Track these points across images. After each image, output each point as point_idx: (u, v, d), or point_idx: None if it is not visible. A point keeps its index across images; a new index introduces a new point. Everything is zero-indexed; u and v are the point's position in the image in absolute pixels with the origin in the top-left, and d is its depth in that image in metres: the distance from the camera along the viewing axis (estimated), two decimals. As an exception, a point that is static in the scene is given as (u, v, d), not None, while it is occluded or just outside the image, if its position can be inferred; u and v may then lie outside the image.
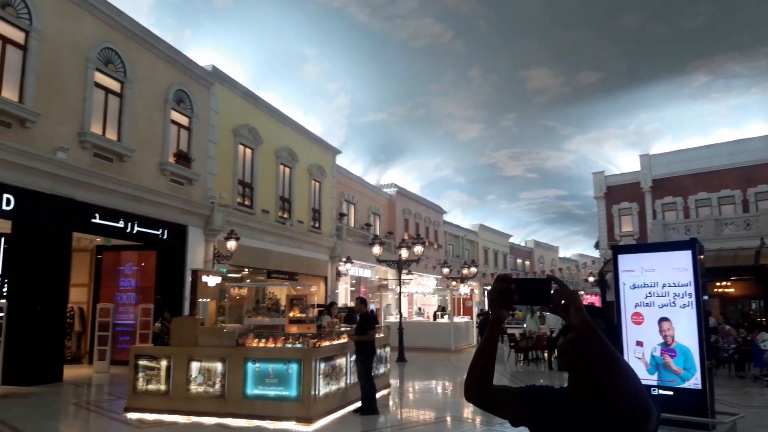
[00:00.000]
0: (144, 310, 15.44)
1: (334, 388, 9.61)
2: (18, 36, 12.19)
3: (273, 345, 9.32)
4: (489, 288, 1.86)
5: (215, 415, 8.85)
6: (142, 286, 16.53)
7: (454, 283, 31.57)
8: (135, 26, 15.33)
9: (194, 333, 9.42)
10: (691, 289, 8.12)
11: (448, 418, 10.10)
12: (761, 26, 25.50)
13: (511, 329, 22.85)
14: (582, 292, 48.81)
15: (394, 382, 13.71)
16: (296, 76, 27.52)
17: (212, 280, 17.11)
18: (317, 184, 25.52)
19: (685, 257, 8.26)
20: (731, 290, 23.64)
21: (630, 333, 8.58)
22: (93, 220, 13.79)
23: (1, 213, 11.63)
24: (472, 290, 33.68)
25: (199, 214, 17.39)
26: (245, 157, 20.43)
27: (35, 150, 12.15)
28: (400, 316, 20.49)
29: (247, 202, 20.25)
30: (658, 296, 8.38)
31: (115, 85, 14.83)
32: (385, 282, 30.36)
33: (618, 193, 34.72)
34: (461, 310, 33.30)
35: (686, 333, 8.12)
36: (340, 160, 28.68)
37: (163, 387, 9.24)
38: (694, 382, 7.99)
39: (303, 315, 10.96)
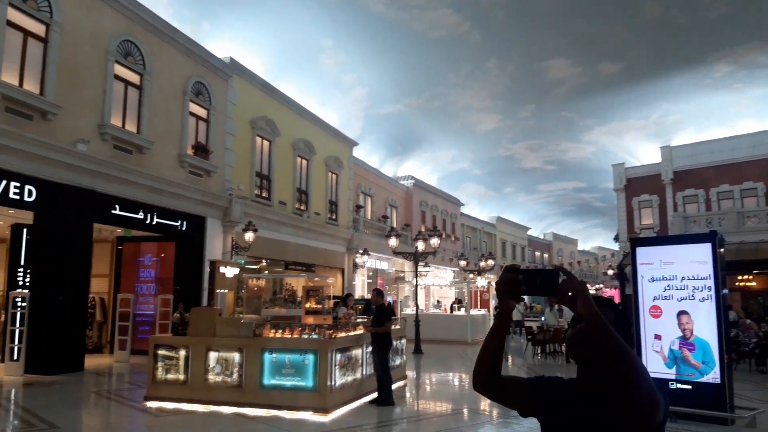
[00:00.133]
0: (163, 301, 15.63)
1: (350, 378, 9.65)
2: (39, 29, 12.34)
3: (289, 336, 9.40)
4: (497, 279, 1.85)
5: (233, 404, 8.95)
6: (161, 277, 16.73)
7: (471, 275, 31.48)
8: (154, 18, 15.44)
9: (212, 323, 9.52)
10: (711, 283, 8.03)
11: (465, 411, 10.09)
12: (786, 15, 24.96)
13: (529, 322, 22.76)
14: (601, 285, 48.56)
15: (410, 373, 13.74)
16: (313, 67, 27.52)
17: (230, 271, 17.26)
18: (334, 176, 25.56)
19: (704, 250, 8.17)
20: (753, 284, 23.32)
21: (648, 326, 8.51)
22: (113, 212, 13.97)
23: (23, 204, 11.83)
24: (489, 283, 33.58)
25: (217, 206, 17.53)
26: (263, 149, 20.53)
27: (56, 142, 12.32)
28: (417, 308, 20.50)
29: (264, 194, 20.36)
30: (677, 289, 8.29)
31: (134, 78, 14.96)
32: (402, 274, 30.39)
33: (638, 185, 34.31)
34: (478, 302, 33.26)
35: (705, 326, 8.03)
36: (357, 152, 28.69)
37: (181, 376, 9.35)
38: (713, 376, 7.90)
39: (319, 306, 11.01)
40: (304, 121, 23.36)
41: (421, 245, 20.51)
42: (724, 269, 8.35)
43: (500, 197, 49.63)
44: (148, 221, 15.02)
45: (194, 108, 17.12)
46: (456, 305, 27.59)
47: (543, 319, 21.92)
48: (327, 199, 24.78)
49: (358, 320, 11.60)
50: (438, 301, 31.84)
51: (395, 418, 9.12)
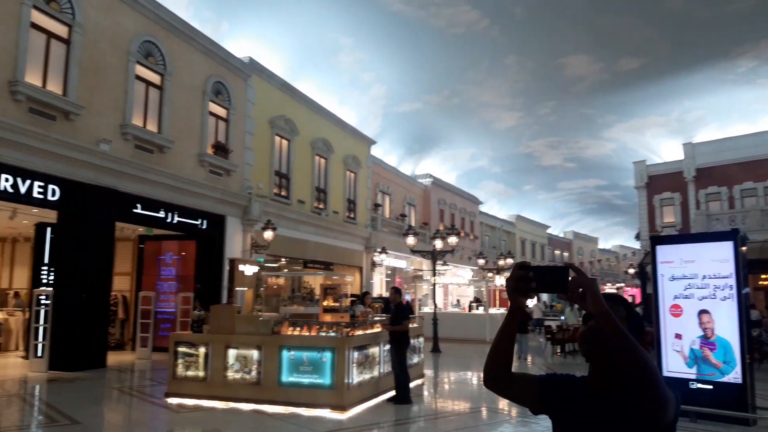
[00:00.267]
0: (184, 299, 15.84)
1: (367, 376, 9.69)
2: (61, 30, 12.54)
3: (307, 333, 9.45)
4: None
5: (252, 401, 9.03)
6: (182, 275, 16.94)
7: (489, 274, 31.36)
8: (174, 19, 15.61)
9: (231, 321, 9.62)
10: (732, 281, 7.91)
11: (483, 409, 10.06)
12: (812, 9, 24.45)
13: (548, 321, 22.61)
14: (622, 284, 48.03)
15: (428, 372, 13.74)
16: (332, 66, 27.59)
17: (249, 270, 17.40)
18: (352, 174, 25.62)
19: (726, 248, 8.05)
20: (777, 283, 22.88)
21: (669, 325, 8.42)
22: (135, 210, 14.16)
23: (47, 203, 12.05)
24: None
25: (236, 205, 17.68)
26: (281, 148, 20.66)
27: (79, 142, 12.52)
28: (435, 306, 20.48)
29: (283, 193, 20.49)
30: (698, 288, 8.19)
31: (155, 78, 15.14)
32: (420, 273, 30.38)
33: (660, 182, 33.83)
34: (497, 301, 33.13)
35: (727, 326, 7.92)
36: (375, 151, 28.72)
37: (201, 373, 9.47)
38: (734, 376, 7.79)
39: (337, 304, 11.05)
40: (323, 119, 23.45)
41: (439, 244, 20.48)
42: (746, 267, 8.22)
43: (520, 195, 49.33)
44: (169, 220, 15.20)
45: (214, 107, 17.28)
46: (475, 304, 27.51)
47: (563, 317, 21.79)
48: (345, 198, 24.85)
49: (376, 318, 11.63)
50: (458, 300, 31.77)
51: (413, 417, 9.14)
